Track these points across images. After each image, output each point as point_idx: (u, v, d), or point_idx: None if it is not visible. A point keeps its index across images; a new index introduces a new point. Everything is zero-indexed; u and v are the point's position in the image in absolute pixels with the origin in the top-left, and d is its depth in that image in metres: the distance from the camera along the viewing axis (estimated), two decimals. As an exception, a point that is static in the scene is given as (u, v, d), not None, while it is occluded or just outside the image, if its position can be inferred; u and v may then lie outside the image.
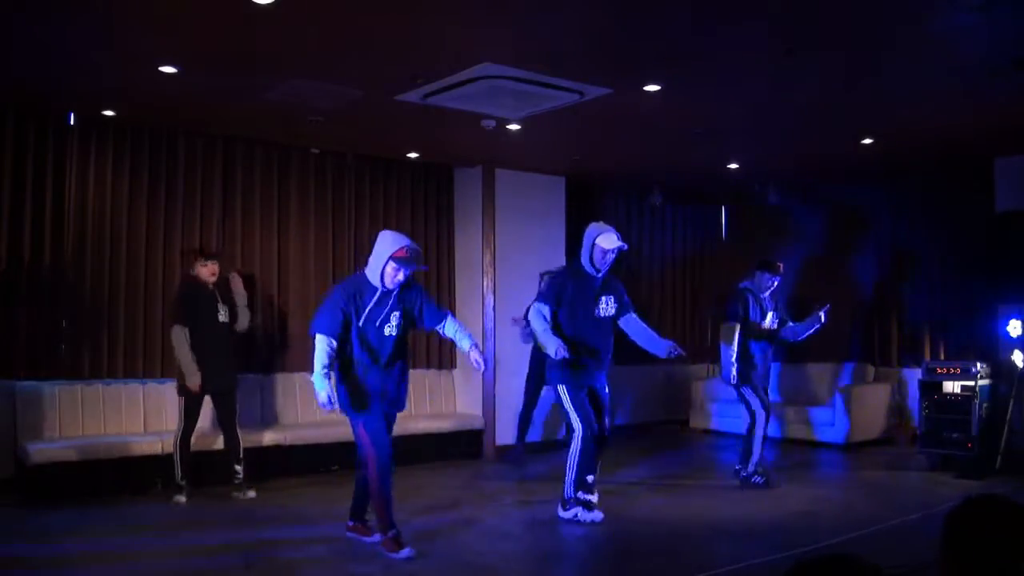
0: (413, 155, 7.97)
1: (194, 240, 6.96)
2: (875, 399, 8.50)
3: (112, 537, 4.90)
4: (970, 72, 5.33)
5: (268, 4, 4.21)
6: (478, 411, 8.11)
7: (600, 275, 5.41)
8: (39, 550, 4.63)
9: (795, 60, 5.06)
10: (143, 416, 6.61)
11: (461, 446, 7.78)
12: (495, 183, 8.20)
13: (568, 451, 5.37)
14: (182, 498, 5.88)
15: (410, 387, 8.04)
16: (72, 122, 6.47)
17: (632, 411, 9.83)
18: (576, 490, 5.31)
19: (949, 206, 8.37)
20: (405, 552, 4.50)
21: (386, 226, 7.95)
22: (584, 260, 5.41)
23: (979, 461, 6.63)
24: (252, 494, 6.08)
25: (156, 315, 6.76)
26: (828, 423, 8.27)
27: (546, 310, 5.33)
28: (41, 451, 5.78)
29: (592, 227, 5.44)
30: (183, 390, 5.98)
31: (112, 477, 6.00)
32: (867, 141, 7.24)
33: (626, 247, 5.44)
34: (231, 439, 6.17)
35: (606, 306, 5.43)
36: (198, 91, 5.77)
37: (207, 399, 6.10)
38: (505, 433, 8.02)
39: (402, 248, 4.46)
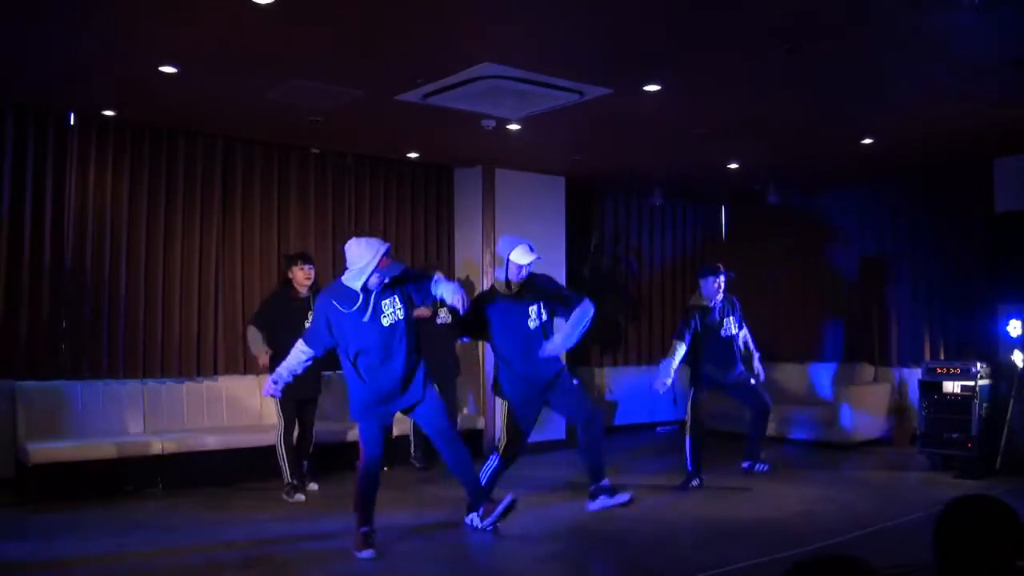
0: (413, 155, 7.97)
1: (194, 240, 6.96)
2: (875, 399, 8.50)
3: (112, 537, 4.90)
4: (970, 72, 5.33)
5: (268, 4, 4.21)
6: (478, 411, 8.11)
7: (513, 290, 5.08)
8: (39, 550, 4.63)
9: (795, 60, 5.06)
10: (143, 416, 6.61)
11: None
12: (495, 183, 8.20)
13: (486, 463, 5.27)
14: (301, 496, 5.98)
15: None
16: (72, 122, 6.47)
17: (632, 411, 9.84)
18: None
19: (949, 206, 8.36)
20: (367, 552, 4.48)
21: (386, 226, 8.01)
22: (500, 275, 5.09)
23: (979, 461, 6.62)
24: (314, 487, 6.21)
25: (156, 315, 6.77)
26: (828, 423, 8.27)
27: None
28: (41, 451, 5.78)
29: (504, 243, 5.09)
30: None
31: (112, 477, 5.99)
32: (867, 141, 7.24)
33: (540, 259, 5.08)
34: (305, 440, 6.31)
35: (535, 316, 5.09)
36: (198, 91, 5.77)
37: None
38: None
39: (385, 257, 4.43)
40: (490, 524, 4.84)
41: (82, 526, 5.15)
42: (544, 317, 5.14)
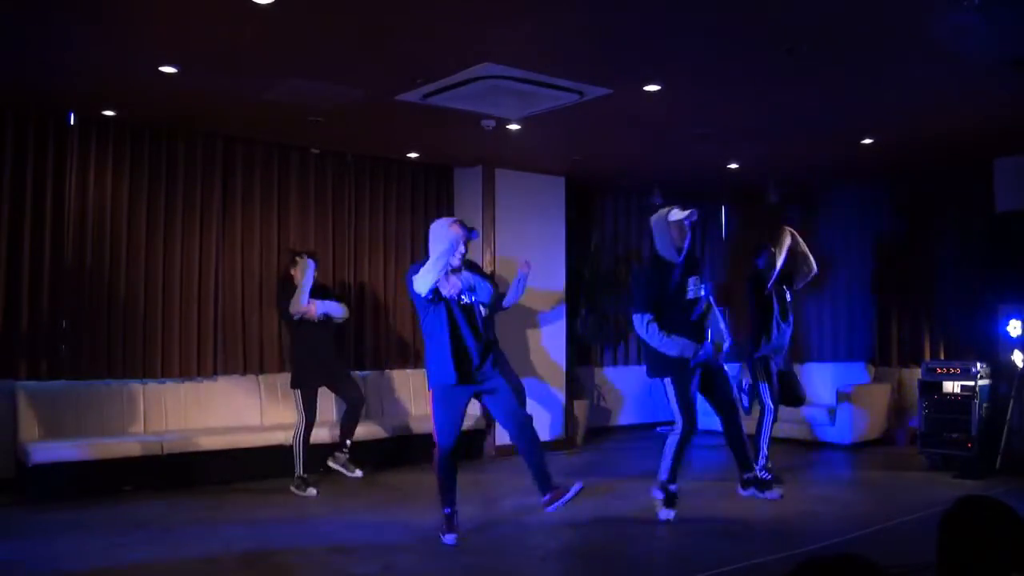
0: (413, 155, 7.97)
1: (194, 240, 6.96)
2: (875, 399, 8.51)
3: (112, 537, 4.90)
4: (970, 72, 5.33)
5: (268, 4, 4.21)
6: (478, 411, 8.09)
7: (682, 257, 5.30)
8: (39, 550, 4.63)
9: (795, 60, 5.06)
10: (143, 416, 6.61)
11: (461, 446, 7.76)
12: (495, 183, 8.21)
13: (666, 443, 5.44)
14: (313, 490, 6.11)
15: (411, 386, 7.98)
16: (72, 122, 6.47)
17: (632, 411, 9.85)
18: (668, 482, 5.40)
19: (949, 206, 8.37)
20: (448, 537, 4.75)
21: (386, 226, 8.03)
22: (663, 247, 5.30)
23: (979, 461, 6.63)
24: (359, 473, 6.52)
25: (156, 314, 6.76)
26: (828, 423, 8.28)
27: (648, 320, 5.24)
28: (41, 451, 5.78)
29: (657, 215, 5.35)
30: (297, 383, 6.31)
31: (112, 477, 6.00)
32: (867, 141, 7.24)
33: (696, 215, 5.31)
34: (350, 420, 6.53)
35: (694, 287, 5.33)
36: (198, 91, 5.77)
37: (324, 390, 6.47)
38: (505, 433, 8.01)
39: (454, 222, 4.76)
40: (554, 508, 4.87)
41: (82, 526, 5.16)
42: (702, 292, 5.35)
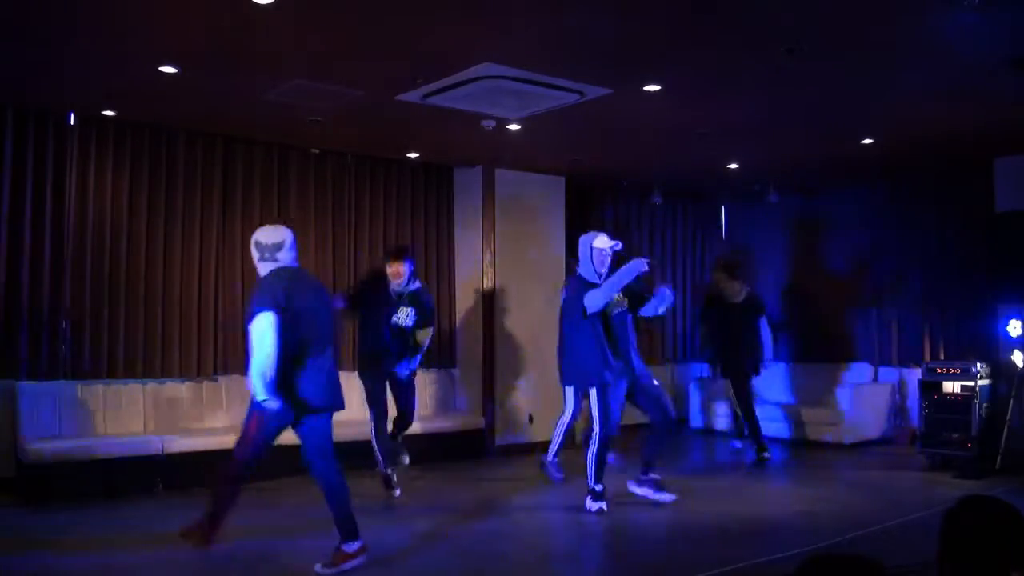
0: (413, 155, 7.97)
1: (194, 240, 6.96)
2: (875, 399, 8.51)
3: (112, 537, 4.90)
4: (970, 72, 5.33)
5: (268, 4, 4.22)
6: (478, 411, 8.11)
7: (603, 279, 5.57)
8: (39, 550, 4.63)
9: (795, 60, 5.06)
10: (143, 416, 6.61)
11: (461, 446, 7.78)
12: (495, 183, 8.21)
13: (587, 450, 5.58)
14: (396, 491, 6.05)
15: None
16: (72, 122, 6.47)
17: (631, 411, 9.82)
18: (596, 481, 5.51)
19: (949, 206, 8.37)
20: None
21: (386, 226, 8.03)
22: (585, 270, 5.61)
23: (979, 461, 6.63)
24: (406, 460, 6.21)
25: (156, 314, 6.76)
26: (828, 423, 8.27)
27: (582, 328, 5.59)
28: (41, 451, 5.78)
29: (584, 236, 5.70)
30: (361, 376, 6.12)
31: (112, 477, 5.99)
32: (867, 141, 7.24)
33: (620, 246, 5.66)
34: (402, 417, 6.30)
35: (620, 306, 5.75)
36: (198, 91, 5.77)
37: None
38: (505, 433, 8.03)
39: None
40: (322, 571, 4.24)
41: (82, 526, 5.16)
42: (625, 307, 5.77)
